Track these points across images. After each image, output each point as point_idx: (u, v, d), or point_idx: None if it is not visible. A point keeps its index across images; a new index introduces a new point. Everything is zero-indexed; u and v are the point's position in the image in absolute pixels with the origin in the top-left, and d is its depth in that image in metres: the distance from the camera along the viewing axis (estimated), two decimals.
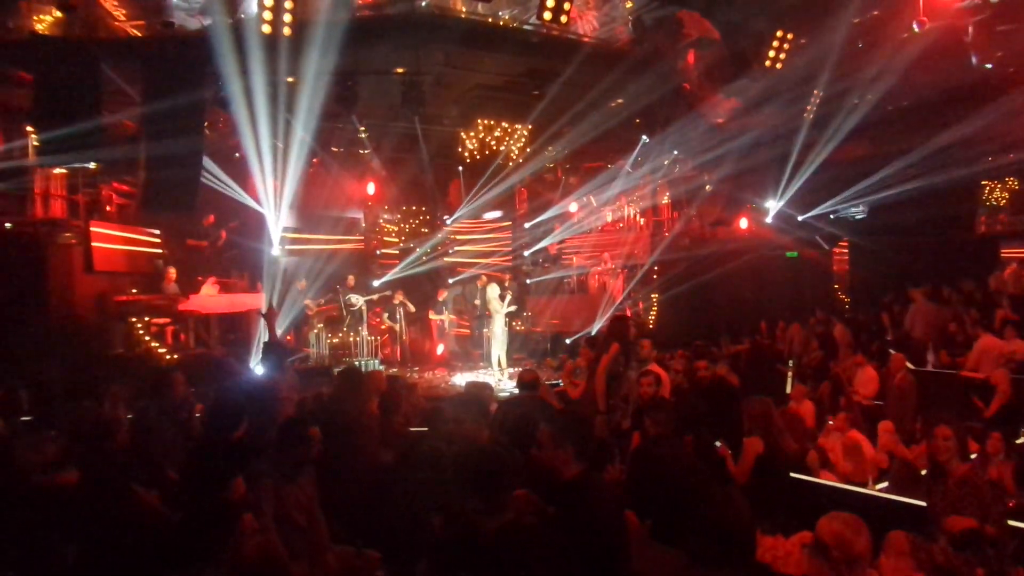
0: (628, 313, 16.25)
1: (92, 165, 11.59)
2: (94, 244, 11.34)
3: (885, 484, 6.62)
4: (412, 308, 15.27)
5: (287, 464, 3.98)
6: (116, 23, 11.46)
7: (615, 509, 3.17)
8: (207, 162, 12.86)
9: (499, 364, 13.66)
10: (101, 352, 10.77)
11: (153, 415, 5.09)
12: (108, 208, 12.56)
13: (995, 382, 8.93)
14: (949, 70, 12.90)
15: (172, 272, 12.27)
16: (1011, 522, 4.15)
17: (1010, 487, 6.37)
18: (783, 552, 3.66)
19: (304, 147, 13.47)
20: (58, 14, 11.15)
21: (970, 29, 12.15)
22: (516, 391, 7.08)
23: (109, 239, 11.76)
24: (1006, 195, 20.20)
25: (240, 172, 14.50)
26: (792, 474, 5.46)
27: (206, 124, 12.43)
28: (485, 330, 15.04)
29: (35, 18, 11.23)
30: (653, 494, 3.23)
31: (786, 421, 6.37)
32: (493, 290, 13.90)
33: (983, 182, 19.42)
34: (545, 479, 3.42)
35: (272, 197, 14.55)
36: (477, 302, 15.58)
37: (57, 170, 11.44)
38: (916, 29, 11.48)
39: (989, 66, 13.23)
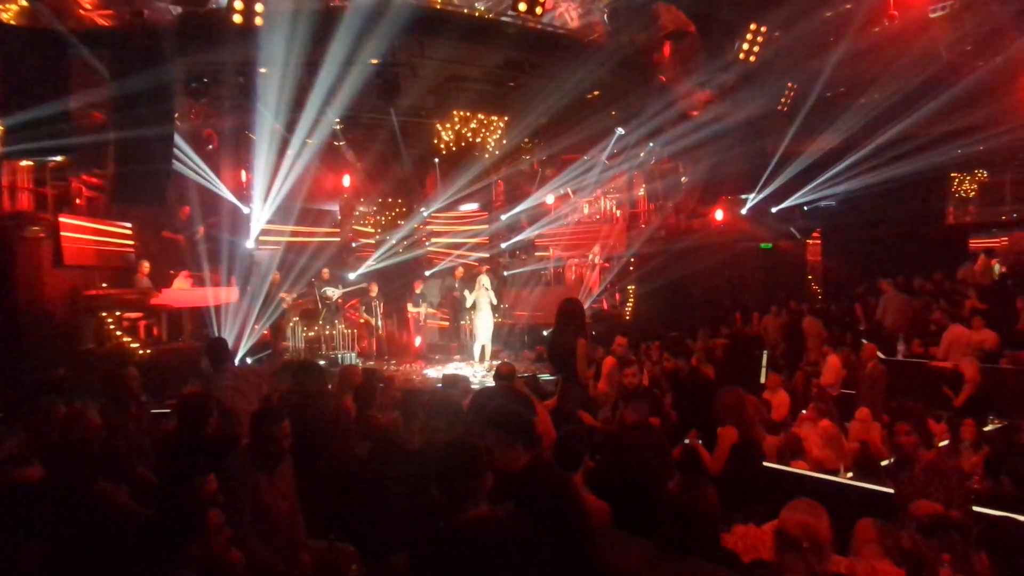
0: (605, 305, 16.34)
1: (60, 158, 11.38)
2: (63, 237, 11.15)
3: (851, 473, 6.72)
4: (379, 306, 15.24)
5: (262, 456, 3.97)
6: (84, 12, 11.23)
7: (570, 494, 3.18)
8: (180, 154, 12.72)
9: (482, 354, 13.68)
10: (71, 347, 10.61)
11: (113, 411, 5.04)
12: (77, 201, 12.33)
13: (963, 371, 9.09)
14: (919, 63, 13.07)
15: (146, 266, 12.11)
16: (976, 508, 4.23)
17: (980, 473, 6.51)
18: (754, 540, 3.70)
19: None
20: (24, 2, 10.91)
21: (940, 22, 12.32)
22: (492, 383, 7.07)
23: (79, 232, 11.57)
24: (975, 187, 20.52)
25: (214, 164, 14.34)
26: (765, 463, 5.53)
27: (177, 115, 12.25)
28: (463, 322, 15.06)
29: (1, 6, 10.97)
30: (617, 482, 3.25)
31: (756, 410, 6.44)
32: (483, 280, 13.90)
33: (952, 174, 19.70)
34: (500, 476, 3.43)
35: (263, 191, 14.48)
36: (456, 294, 15.58)
37: (24, 162, 11.21)
38: (887, 23, 11.62)
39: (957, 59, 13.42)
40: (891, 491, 4.73)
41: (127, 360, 9.39)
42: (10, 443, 3.73)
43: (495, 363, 13.49)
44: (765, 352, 12.16)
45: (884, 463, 6.08)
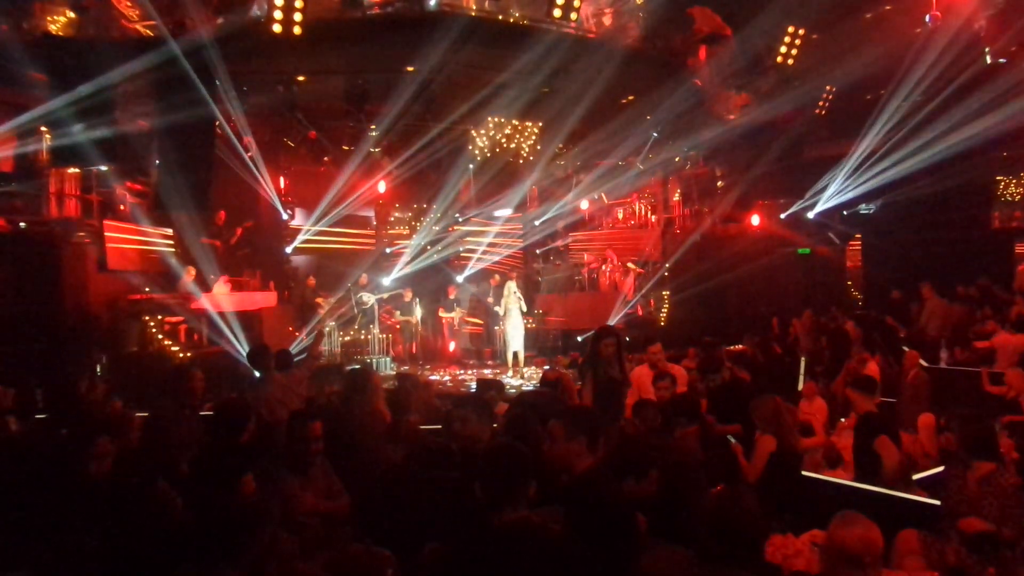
0: (639, 311, 16.22)
1: (104, 168, 11.68)
2: (108, 243, 11.43)
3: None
4: (418, 311, 15.34)
5: (293, 457, 4.02)
6: (127, 23, 11.52)
7: (627, 503, 3.16)
8: (220, 160, 12.97)
9: (515, 361, 13.69)
10: (115, 350, 10.85)
11: (170, 411, 5.15)
12: (121, 207, 12.64)
13: (1010, 382, 8.82)
14: (963, 64, 12.80)
15: (191, 271, 12.32)
16: None
17: None
18: (793, 551, 3.65)
19: None
20: (71, 15, 11.23)
21: (984, 23, 12.06)
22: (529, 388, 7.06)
23: (122, 238, 11.85)
24: (1021, 191, 19.97)
25: (253, 170, 14.58)
26: (804, 472, 5.43)
27: (217, 122, 12.49)
28: (497, 327, 15.08)
29: (48, 19, 11.31)
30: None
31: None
32: (511, 286, 13.92)
33: (998, 177, 19.21)
34: (556, 474, 3.42)
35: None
36: (490, 299, 15.62)
37: (71, 170, 11.52)
38: (929, 23, 11.41)
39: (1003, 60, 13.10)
40: (932, 502, 4.61)
41: (192, 363, 9.56)
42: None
43: (527, 369, 13.56)
44: (803, 359, 11.96)
45: (917, 476, 5.91)
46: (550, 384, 6.22)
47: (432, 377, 12.89)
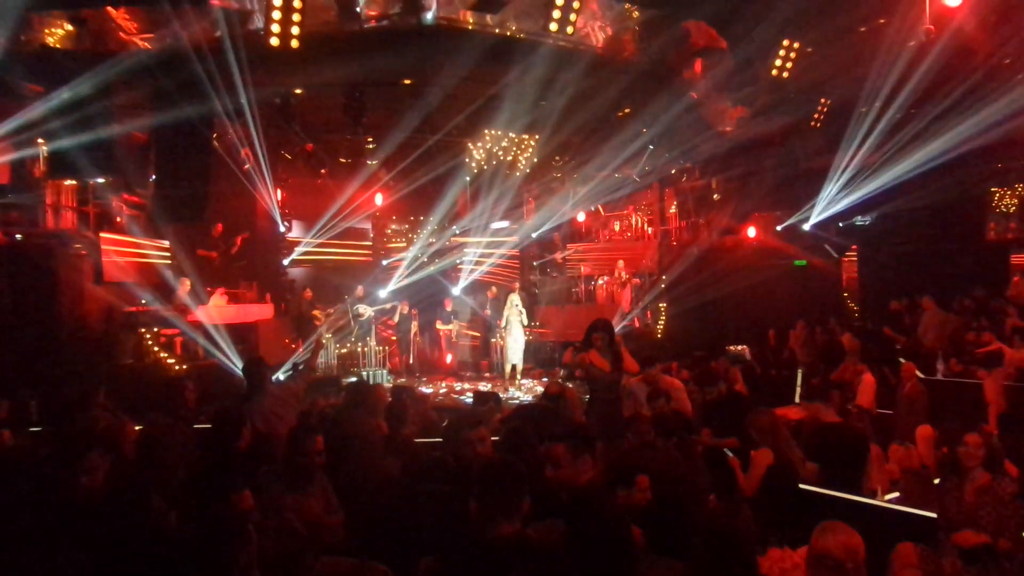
0: (636, 323, 16.22)
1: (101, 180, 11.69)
2: (104, 255, 11.42)
3: (895, 495, 6.54)
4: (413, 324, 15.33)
5: (294, 472, 4.00)
6: (126, 36, 11.55)
7: (624, 523, 3.16)
8: (217, 173, 12.97)
9: (512, 373, 13.66)
10: (110, 362, 10.82)
11: (165, 424, 5.12)
12: (118, 219, 12.63)
13: (984, 390, 8.85)
14: (956, 74, 12.86)
15: (187, 283, 12.30)
16: None
17: None
18: (790, 565, 3.63)
19: None
20: (69, 27, 11.25)
21: (977, 33, 12.12)
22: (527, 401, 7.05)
23: (119, 250, 11.84)
24: (1015, 202, 20.04)
25: (251, 182, 14.60)
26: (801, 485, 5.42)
27: (215, 135, 12.50)
28: (493, 340, 15.07)
29: (46, 31, 11.33)
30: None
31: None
32: (514, 298, 13.93)
33: (992, 189, 19.29)
34: (556, 489, 3.41)
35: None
36: (487, 311, 15.61)
37: (67, 182, 11.52)
38: (923, 37, 11.46)
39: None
40: (929, 515, 4.60)
41: (186, 375, 9.55)
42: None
43: (525, 382, 13.54)
44: (800, 371, 11.96)
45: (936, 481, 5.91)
46: (552, 398, 6.20)
47: (426, 390, 12.85)
